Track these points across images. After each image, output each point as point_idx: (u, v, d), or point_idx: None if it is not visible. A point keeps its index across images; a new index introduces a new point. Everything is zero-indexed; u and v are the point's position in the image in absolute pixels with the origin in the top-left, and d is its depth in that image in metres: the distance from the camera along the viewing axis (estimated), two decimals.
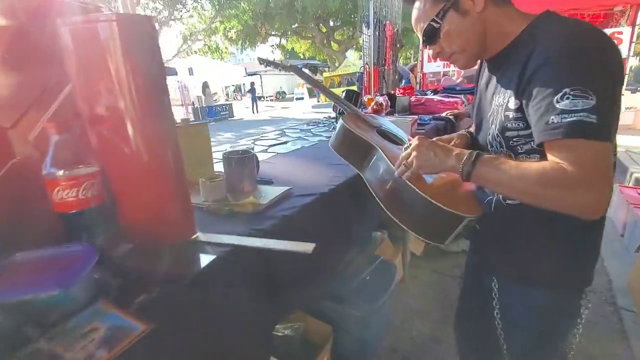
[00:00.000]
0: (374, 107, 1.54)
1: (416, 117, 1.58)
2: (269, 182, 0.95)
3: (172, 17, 15.20)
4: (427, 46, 0.84)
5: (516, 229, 0.84)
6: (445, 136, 1.01)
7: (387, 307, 1.74)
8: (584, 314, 0.83)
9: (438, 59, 0.94)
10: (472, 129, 1.00)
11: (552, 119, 0.61)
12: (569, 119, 0.59)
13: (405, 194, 0.84)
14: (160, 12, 14.54)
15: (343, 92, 1.51)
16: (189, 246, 0.64)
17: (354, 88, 4.55)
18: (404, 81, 4.97)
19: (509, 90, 0.73)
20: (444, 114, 2.22)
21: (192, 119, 12.31)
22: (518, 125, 0.72)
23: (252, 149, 1.05)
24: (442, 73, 5.77)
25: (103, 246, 0.57)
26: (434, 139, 0.97)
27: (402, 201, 0.87)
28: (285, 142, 1.54)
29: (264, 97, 24.17)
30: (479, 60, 0.91)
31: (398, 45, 4.58)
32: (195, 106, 12.58)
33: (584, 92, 0.59)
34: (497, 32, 0.77)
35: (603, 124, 0.59)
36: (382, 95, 1.83)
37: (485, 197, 0.88)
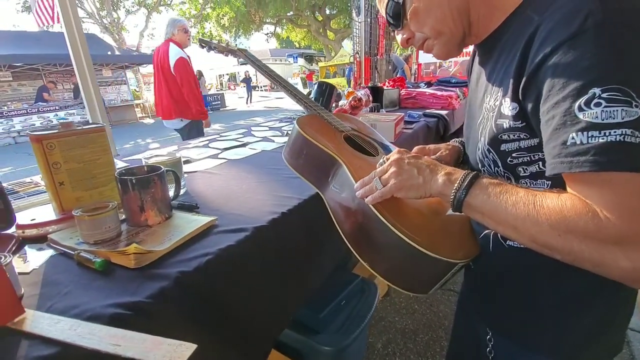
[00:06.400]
0: (352, 102, 1.30)
1: (401, 114, 1.34)
2: (192, 207, 0.71)
3: (162, 2, 14.66)
4: (395, 31, 0.62)
5: (520, 280, 0.62)
6: (431, 145, 0.77)
7: (365, 333, 1.52)
8: None
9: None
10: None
11: (573, 138, 0.38)
12: (600, 140, 0.36)
13: (374, 228, 0.61)
14: None
15: (315, 84, 1.26)
16: None
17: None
18: (398, 72, 4.71)
19: (502, 89, 0.51)
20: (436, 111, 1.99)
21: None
22: (518, 135, 0.50)
23: (179, 159, 0.81)
24: (438, 64, 5.48)
25: None
26: (415, 148, 0.74)
27: (370, 238, 0.64)
28: (245, 145, 1.27)
29: (258, 87, 23.69)
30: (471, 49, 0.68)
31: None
32: None
33: (626, 95, 0.36)
34: (484, 6, 0.54)
35: None
36: (363, 88, 1.58)
37: (481, 231, 0.66)
